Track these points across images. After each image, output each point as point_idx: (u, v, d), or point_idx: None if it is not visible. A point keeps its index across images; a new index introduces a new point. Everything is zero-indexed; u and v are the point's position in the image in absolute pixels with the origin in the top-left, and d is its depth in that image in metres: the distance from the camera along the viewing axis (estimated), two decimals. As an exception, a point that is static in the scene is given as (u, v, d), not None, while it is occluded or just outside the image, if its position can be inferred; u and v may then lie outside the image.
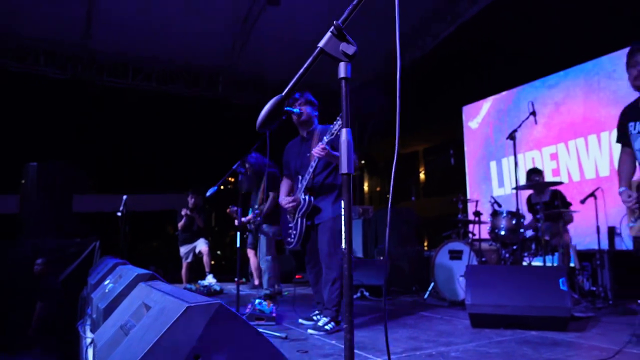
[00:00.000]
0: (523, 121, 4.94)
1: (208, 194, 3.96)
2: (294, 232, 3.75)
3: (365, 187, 22.80)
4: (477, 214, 5.59)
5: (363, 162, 21.10)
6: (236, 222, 6.86)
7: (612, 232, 5.70)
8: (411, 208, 7.47)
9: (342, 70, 1.15)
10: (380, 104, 10.22)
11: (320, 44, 1.15)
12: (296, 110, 3.71)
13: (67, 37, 7.92)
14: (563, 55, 7.00)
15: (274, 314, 3.77)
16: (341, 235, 3.64)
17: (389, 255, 6.61)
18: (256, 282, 7.15)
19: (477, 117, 8.53)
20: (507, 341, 3.21)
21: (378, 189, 22.44)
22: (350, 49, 1.14)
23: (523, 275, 3.73)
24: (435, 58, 9.07)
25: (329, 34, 1.15)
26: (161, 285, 1.87)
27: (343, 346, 2.96)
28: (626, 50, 3.05)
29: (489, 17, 7.77)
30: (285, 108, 3.39)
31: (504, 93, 8.06)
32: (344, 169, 1.10)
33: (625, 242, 5.49)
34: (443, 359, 2.71)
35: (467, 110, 8.84)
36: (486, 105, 8.38)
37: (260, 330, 3.32)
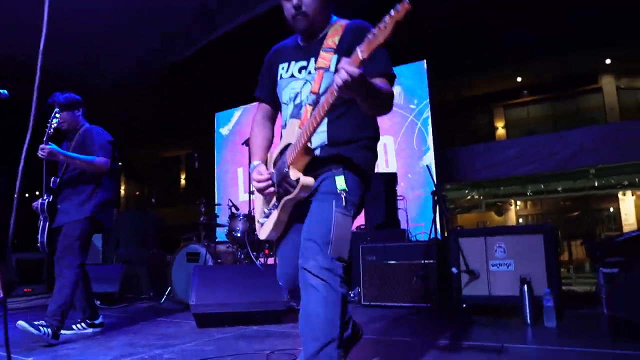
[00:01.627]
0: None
1: None
2: None
3: (122, 191, 21.32)
4: (211, 217, 5.76)
5: (120, 163, 19.65)
6: None
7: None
8: (153, 212, 7.22)
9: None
10: (134, 106, 9.73)
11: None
12: None
13: None
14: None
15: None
16: (77, 242, 3.27)
17: (126, 260, 6.26)
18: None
19: (229, 124, 8.81)
20: (226, 338, 3.32)
21: (137, 193, 21.23)
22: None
23: (247, 274, 3.94)
24: (194, 64, 9.05)
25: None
26: None
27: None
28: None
29: (249, 29, 8.16)
30: None
31: (255, 103, 8.49)
32: None
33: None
34: (153, 362, 2.64)
35: (220, 116, 9.05)
36: (237, 113, 8.72)
37: None
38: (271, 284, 3.83)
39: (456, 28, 8.74)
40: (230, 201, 5.67)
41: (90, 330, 3.62)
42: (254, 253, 5.39)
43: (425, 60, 7.04)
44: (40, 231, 3.45)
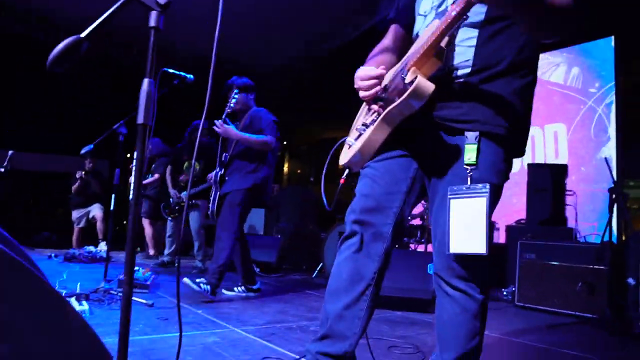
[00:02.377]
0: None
1: (82, 151, 3.79)
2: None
3: (285, 169, 22.93)
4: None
5: (285, 143, 21.22)
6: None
7: (491, 225, 6.11)
8: (312, 189, 7.58)
9: (153, 19, 1.13)
10: (299, 88, 10.26)
11: (132, -10, 1.12)
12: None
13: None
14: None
15: (147, 282, 3.70)
16: (237, 209, 3.63)
17: (286, 233, 6.69)
18: (151, 251, 6.98)
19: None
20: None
21: (299, 171, 22.64)
22: (162, -1, 1.12)
23: (396, 258, 3.89)
24: (355, 48, 9.19)
25: (144, -19, 1.12)
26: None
27: (208, 316, 2.98)
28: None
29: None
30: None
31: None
32: (140, 119, 1.08)
33: (501, 237, 5.92)
34: (300, 332, 2.80)
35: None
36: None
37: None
38: (419, 271, 3.79)
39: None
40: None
41: (249, 294, 3.98)
42: (405, 238, 5.37)
43: (613, 37, 6.15)
44: (211, 201, 3.87)
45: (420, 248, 5.37)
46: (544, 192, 4.98)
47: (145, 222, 6.82)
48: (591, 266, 3.90)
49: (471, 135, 1.35)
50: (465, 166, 1.35)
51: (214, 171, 3.92)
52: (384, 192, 1.50)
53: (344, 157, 1.53)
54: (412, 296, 3.72)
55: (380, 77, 1.43)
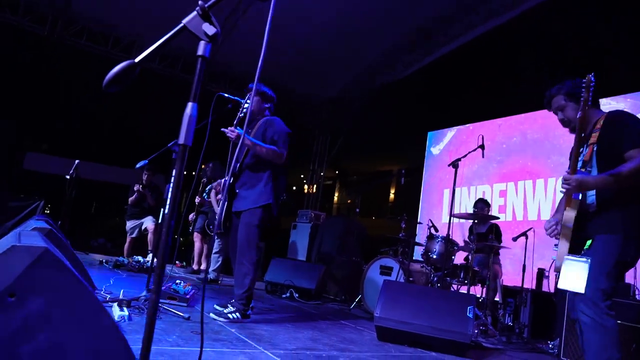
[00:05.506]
0: (470, 152, 5.10)
1: (137, 166, 3.98)
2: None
3: (335, 198, 23.05)
4: (409, 234, 5.74)
5: (337, 172, 21.40)
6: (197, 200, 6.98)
7: (540, 273, 5.88)
8: (358, 220, 7.55)
9: (201, 48, 1.21)
10: (352, 119, 10.40)
11: (184, 21, 1.21)
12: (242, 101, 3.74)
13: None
14: (523, 100, 7.26)
15: (187, 296, 3.79)
16: (256, 230, 3.56)
17: (327, 262, 6.68)
18: (195, 267, 7.16)
19: (440, 144, 8.73)
20: (403, 357, 3.30)
21: (349, 201, 22.71)
22: (211, 30, 1.20)
23: (434, 298, 3.84)
24: (406, 84, 9.29)
25: (194, 12, 1.21)
26: (42, 237, 1.88)
27: (240, 335, 3.01)
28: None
29: (459, 55, 8.09)
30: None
31: (467, 125, 8.27)
32: (181, 139, 1.15)
33: (550, 285, 5.66)
34: (329, 361, 2.78)
35: (432, 136, 9.03)
36: (450, 134, 8.58)
37: (166, 307, 3.36)
38: (459, 313, 3.67)
39: None
40: (431, 221, 5.62)
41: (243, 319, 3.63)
42: (448, 278, 5.24)
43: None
44: (219, 211, 3.77)
45: (463, 289, 5.22)
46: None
47: (197, 238, 7.03)
48: (647, 326, 3.64)
49: None
50: None
51: (223, 179, 3.76)
52: None
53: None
54: (449, 338, 3.60)
55: (555, 223, 2.66)
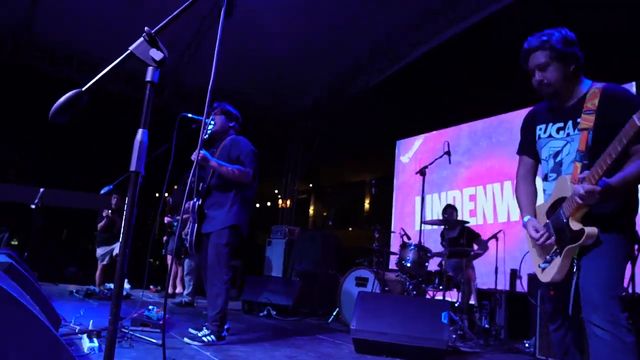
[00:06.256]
0: (436, 159, 5.19)
1: (102, 191, 3.91)
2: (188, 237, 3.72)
3: (311, 211, 23.01)
4: (383, 244, 5.80)
5: (310, 185, 21.42)
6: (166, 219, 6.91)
7: (514, 274, 5.97)
8: (333, 233, 7.57)
9: (149, 74, 1.21)
10: (324, 130, 10.45)
11: (131, 48, 1.21)
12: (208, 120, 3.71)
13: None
14: (488, 104, 7.42)
15: (160, 322, 3.72)
16: (225, 249, 3.52)
17: (303, 277, 6.66)
18: (170, 290, 7.04)
19: (409, 152, 8.83)
20: (381, 367, 3.30)
21: (325, 213, 22.71)
22: (158, 55, 1.20)
23: (409, 306, 3.86)
24: (374, 94, 9.40)
25: (141, 38, 1.21)
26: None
27: (215, 359, 2.96)
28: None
29: (423, 62, 8.26)
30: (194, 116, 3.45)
31: (434, 132, 8.41)
32: (132, 166, 1.14)
33: (523, 285, 5.75)
34: (306, 378, 2.76)
35: (400, 144, 9.13)
36: (418, 142, 8.70)
37: (139, 335, 3.29)
38: (434, 319, 3.69)
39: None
40: (403, 230, 5.66)
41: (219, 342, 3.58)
42: (423, 285, 5.28)
43: (634, 83, 6.09)
44: (189, 232, 3.68)
45: (439, 295, 5.26)
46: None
47: (170, 260, 6.92)
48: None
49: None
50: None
51: (192, 201, 3.70)
52: None
53: (546, 277, 2.16)
54: (425, 345, 3.62)
55: (546, 230, 2.14)
